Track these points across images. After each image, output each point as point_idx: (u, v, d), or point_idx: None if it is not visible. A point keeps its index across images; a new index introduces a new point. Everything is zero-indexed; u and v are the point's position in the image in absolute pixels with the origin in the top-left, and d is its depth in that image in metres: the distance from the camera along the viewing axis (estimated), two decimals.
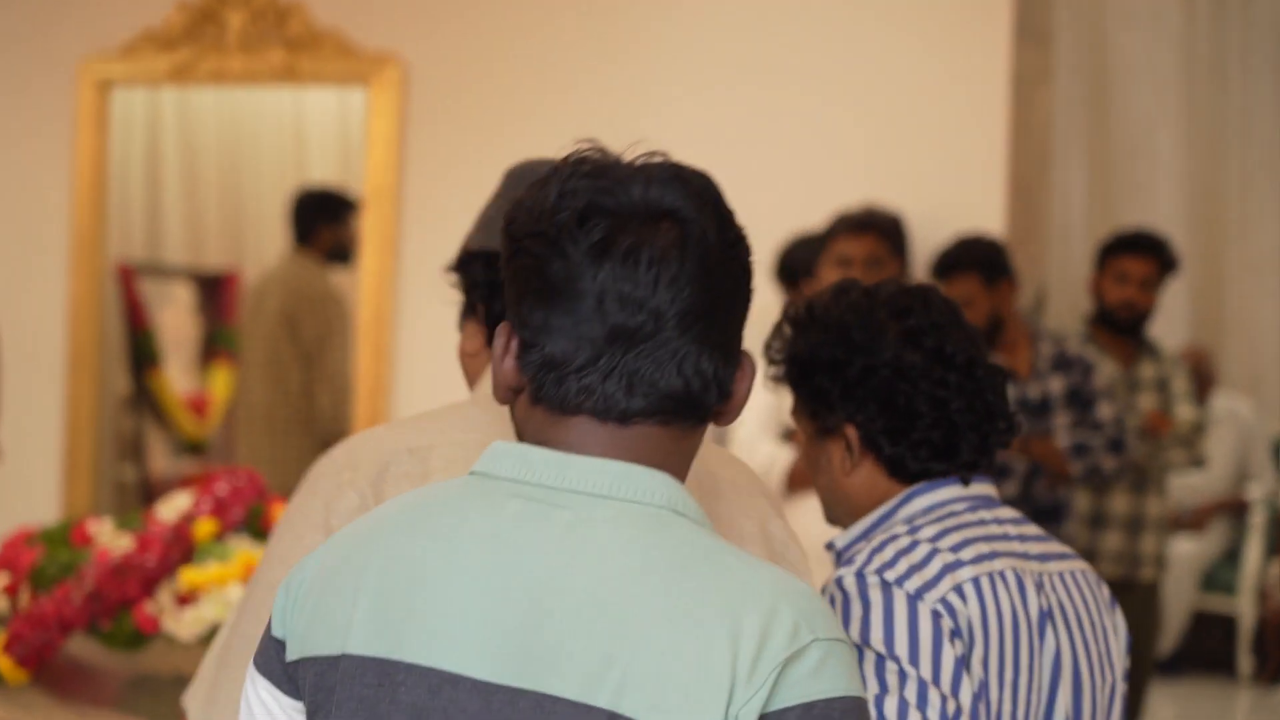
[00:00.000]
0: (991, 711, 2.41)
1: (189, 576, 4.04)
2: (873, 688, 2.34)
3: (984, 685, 2.40)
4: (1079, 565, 2.62)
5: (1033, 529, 2.61)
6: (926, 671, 2.36)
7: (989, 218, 6.05)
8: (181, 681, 4.04)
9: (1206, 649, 9.57)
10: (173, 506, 4.28)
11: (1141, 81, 9.64)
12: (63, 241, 7.26)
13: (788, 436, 5.21)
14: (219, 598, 4.01)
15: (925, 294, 2.63)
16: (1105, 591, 2.65)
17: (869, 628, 2.39)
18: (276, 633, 1.78)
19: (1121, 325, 6.32)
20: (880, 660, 2.36)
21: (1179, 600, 9.33)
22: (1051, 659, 2.50)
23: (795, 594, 1.66)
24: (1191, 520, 9.58)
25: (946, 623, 2.38)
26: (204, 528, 4.14)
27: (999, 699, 2.42)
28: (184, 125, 8.67)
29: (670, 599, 1.62)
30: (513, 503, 1.70)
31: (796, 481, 5.15)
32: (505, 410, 2.20)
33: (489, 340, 2.36)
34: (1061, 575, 2.57)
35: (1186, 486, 9.46)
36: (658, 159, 1.75)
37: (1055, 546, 2.61)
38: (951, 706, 2.34)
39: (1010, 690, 2.44)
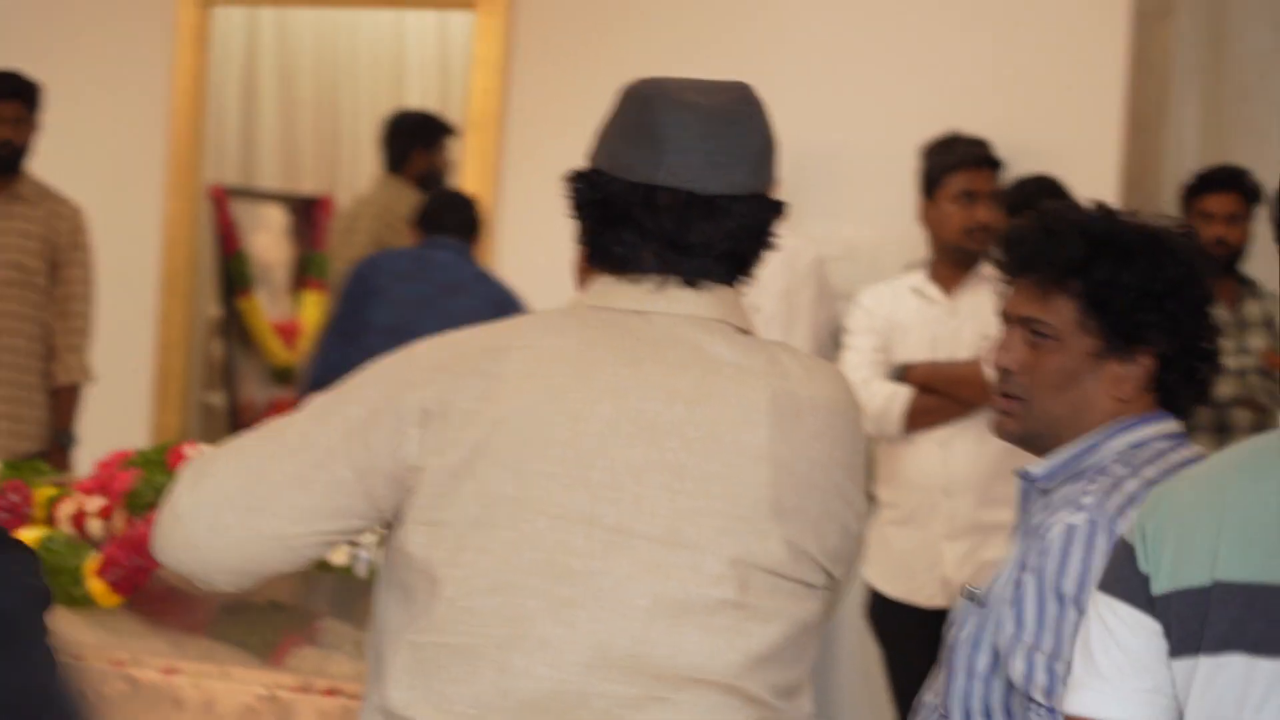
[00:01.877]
0: None
1: None
2: None
3: None
4: None
5: None
6: None
7: (1104, 154, 6.00)
8: (276, 609, 4.01)
9: None
10: None
11: (1260, 20, 9.45)
12: (159, 162, 7.20)
13: (898, 376, 5.12)
14: None
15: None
16: None
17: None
18: (1142, 568, 2.06)
19: (1215, 265, 6.06)
20: None
21: None
22: None
23: None
24: None
25: None
26: None
27: None
28: (281, 46, 8.56)
29: None
30: None
31: (918, 419, 5.13)
32: (590, 315, 2.37)
33: (588, 256, 2.45)
34: None
35: None
36: None
37: None
38: None
39: None
